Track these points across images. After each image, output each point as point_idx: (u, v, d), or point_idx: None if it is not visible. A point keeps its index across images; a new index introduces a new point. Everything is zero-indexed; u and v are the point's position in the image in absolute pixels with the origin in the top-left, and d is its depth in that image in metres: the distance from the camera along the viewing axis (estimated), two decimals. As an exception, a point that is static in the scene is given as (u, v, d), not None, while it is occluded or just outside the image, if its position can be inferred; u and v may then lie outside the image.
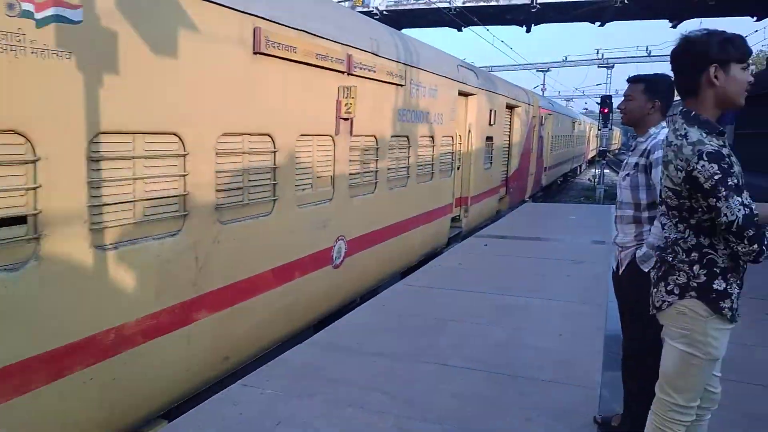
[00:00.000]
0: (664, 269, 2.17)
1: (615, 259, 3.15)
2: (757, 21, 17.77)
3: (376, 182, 6.31)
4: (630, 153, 3.08)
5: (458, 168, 9.35)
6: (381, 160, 6.34)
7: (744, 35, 2.25)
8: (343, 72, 5.26)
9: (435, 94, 7.81)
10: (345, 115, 5.28)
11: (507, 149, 12.80)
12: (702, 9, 16.28)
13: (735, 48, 2.03)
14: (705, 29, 2.10)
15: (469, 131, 9.61)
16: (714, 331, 2.06)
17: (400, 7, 16.99)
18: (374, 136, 6.17)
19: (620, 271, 3.02)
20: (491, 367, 4.08)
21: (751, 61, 2.16)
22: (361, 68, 5.57)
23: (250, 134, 4.22)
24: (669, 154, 2.08)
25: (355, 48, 5.48)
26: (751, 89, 2.12)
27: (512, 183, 13.42)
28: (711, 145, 1.99)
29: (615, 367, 4.04)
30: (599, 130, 22.92)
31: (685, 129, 2.05)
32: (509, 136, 12.93)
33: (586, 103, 59.50)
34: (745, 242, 1.92)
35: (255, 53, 4.12)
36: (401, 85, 6.62)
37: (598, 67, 37.19)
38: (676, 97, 2.43)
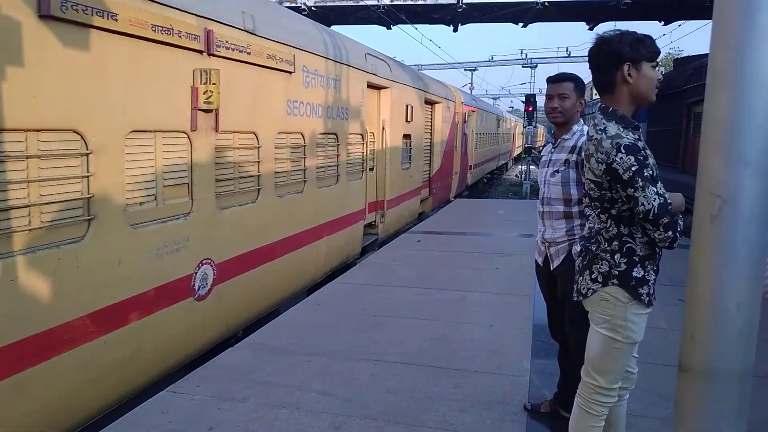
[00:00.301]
0: (589, 258, 2.28)
1: (539, 254, 3.20)
2: (664, 25, 19.04)
3: (259, 189, 5.19)
4: (552, 150, 3.12)
5: (371, 169, 8.55)
6: (265, 162, 5.25)
7: (654, 38, 2.41)
8: (200, 51, 4.21)
9: (337, 85, 6.84)
10: (205, 106, 4.24)
11: (429, 148, 12.22)
12: (615, 12, 17.22)
13: (645, 48, 2.17)
14: (618, 30, 2.23)
15: (383, 128, 8.85)
16: (633, 316, 2.19)
17: (329, 4, 16.85)
18: (254, 133, 5.11)
19: (553, 267, 3.06)
20: (426, 361, 4.14)
21: (659, 61, 2.31)
22: (228, 48, 4.49)
23: (41, 131, 3.05)
24: (590, 148, 2.18)
25: (217, 22, 4.40)
26: (661, 89, 2.27)
27: (436, 183, 12.89)
28: (627, 138, 2.11)
29: (543, 355, 4.22)
30: (525, 127, 23.77)
31: (603, 124, 2.17)
32: (431, 133, 12.37)
33: (512, 101, 61.66)
34: (661, 229, 2.05)
35: (42, 16, 2.95)
36: (290, 72, 5.59)
37: (522, 66, 38.54)
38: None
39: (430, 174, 12.46)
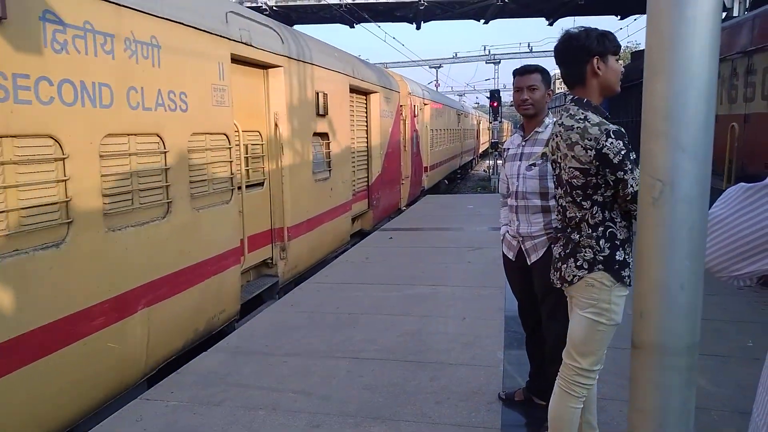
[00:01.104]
0: (572, 247, 2.36)
1: (510, 249, 3.20)
2: (620, 20, 19.52)
3: None
4: (523, 143, 3.09)
5: (262, 185, 6.07)
6: None
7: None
8: None
9: (154, 56, 4.05)
10: None
11: (365, 149, 9.95)
12: (574, 8, 17.57)
13: (610, 42, 2.29)
14: (582, 27, 2.32)
15: (276, 125, 6.20)
16: (616, 298, 2.29)
17: (290, 3, 16.75)
18: None
19: (530, 261, 3.04)
20: (402, 356, 4.18)
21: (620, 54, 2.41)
22: None
23: None
24: (573, 137, 2.23)
25: None
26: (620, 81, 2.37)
27: (377, 192, 10.45)
28: (612, 125, 2.22)
29: (516, 346, 4.30)
30: (490, 123, 24.04)
31: (582, 113, 2.26)
32: (366, 131, 10.02)
33: (477, 97, 62.28)
34: None
35: None
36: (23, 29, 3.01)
37: (486, 62, 38.99)
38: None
39: (368, 182, 10.11)
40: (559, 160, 2.36)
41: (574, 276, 2.33)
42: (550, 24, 19.73)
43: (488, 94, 22.74)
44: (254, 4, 16.04)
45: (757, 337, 4.33)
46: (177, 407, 3.48)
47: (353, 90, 8.95)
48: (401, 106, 12.45)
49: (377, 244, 8.46)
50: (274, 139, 6.23)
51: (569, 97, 2.37)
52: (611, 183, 2.20)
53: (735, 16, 11.43)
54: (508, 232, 3.24)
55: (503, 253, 3.32)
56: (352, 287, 6.06)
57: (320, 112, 7.29)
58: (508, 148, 3.25)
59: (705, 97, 0.75)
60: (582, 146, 2.20)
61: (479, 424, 3.21)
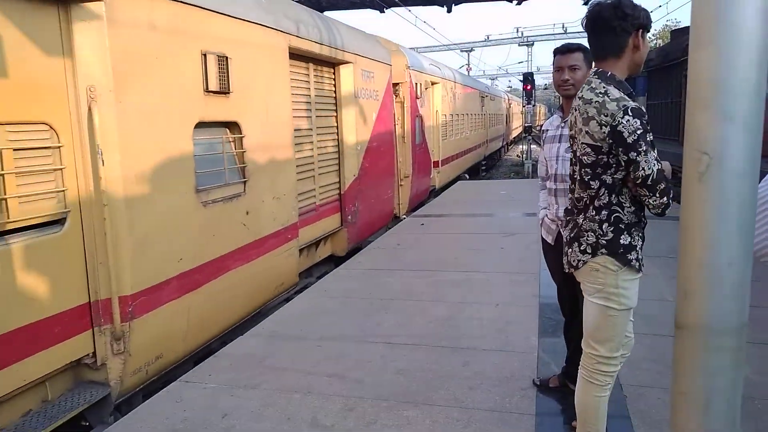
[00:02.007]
0: (576, 231, 2.31)
1: (549, 233, 3.16)
2: (661, -4, 18.77)
3: None
4: (562, 125, 3.04)
5: (61, 223, 3.30)
6: None
7: (650, 10, 2.41)
8: None
9: None
10: None
11: (335, 144, 7.04)
12: (611, -14, 17.02)
13: (649, 18, 2.20)
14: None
15: (90, 110, 3.37)
16: (624, 282, 2.22)
17: (321, -10, 16.73)
18: None
19: None
20: (435, 341, 4.17)
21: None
22: None
23: None
24: (590, 111, 2.14)
25: None
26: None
27: (355, 202, 7.42)
28: (632, 102, 2.10)
29: (550, 332, 4.25)
30: (524, 106, 23.62)
31: (604, 87, 2.14)
32: (336, 119, 7.05)
33: (510, 81, 61.17)
34: (657, 195, 2.08)
35: None
36: None
37: (519, 45, 38.22)
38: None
39: (340, 189, 7.18)
40: (576, 136, 2.26)
41: (579, 261, 2.29)
42: (585, 3, 19.18)
43: (521, 78, 22.32)
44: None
45: (806, 324, 4.17)
46: (215, 389, 3.57)
47: (299, 56, 5.86)
48: (397, 84, 9.81)
49: (409, 230, 8.45)
50: (86, 136, 3.37)
51: (593, 70, 2.26)
52: (622, 164, 2.11)
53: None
54: (547, 215, 3.19)
55: (542, 236, 3.28)
56: (384, 273, 6.08)
57: (215, 88, 4.31)
58: (547, 130, 3.19)
59: (756, 64, 0.71)
60: (597, 122, 2.11)
61: (513, 409, 3.19)
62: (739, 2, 0.70)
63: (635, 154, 2.05)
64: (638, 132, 2.04)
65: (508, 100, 34.52)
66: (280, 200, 5.41)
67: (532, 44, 38.09)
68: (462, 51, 39.49)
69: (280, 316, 4.90)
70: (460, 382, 3.54)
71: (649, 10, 2.24)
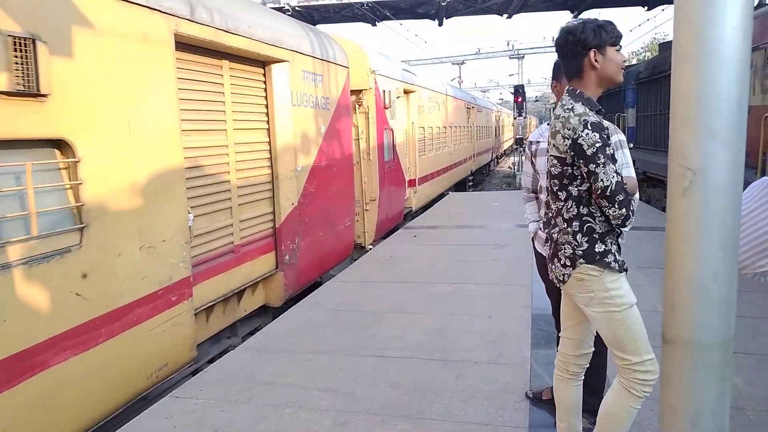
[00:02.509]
0: (554, 246, 2.37)
1: (542, 244, 3.17)
2: (647, 11, 19.11)
3: None
4: None
5: None
6: None
7: (638, 24, 2.48)
8: None
9: None
10: None
11: (267, 165, 5.57)
12: (598, 0, 17.28)
13: (608, 33, 2.28)
14: (581, 20, 2.35)
15: None
16: (611, 284, 2.24)
17: (313, 3, 16.85)
18: None
19: None
20: (428, 354, 4.16)
21: (621, 44, 2.39)
22: None
23: None
24: (557, 125, 2.26)
25: None
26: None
27: (297, 237, 5.91)
28: (594, 117, 2.21)
29: (543, 344, 4.24)
30: (515, 118, 23.80)
31: (571, 104, 2.26)
32: (269, 133, 5.61)
33: (501, 93, 61.68)
34: (616, 206, 2.15)
35: None
36: None
37: (510, 57, 38.59)
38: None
39: (274, 223, 5.68)
40: (548, 149, 2.38)
41: (563, 275, 2.33)
42: (575, 17, 19.43)
43: (512, 90, 22.51)
44: (277, 5, 16.18)
45: (795, 334, 4.19)
46: (206, 404, 3.53)
47: (202, 49, 4.54)
48: (360, 92, 8.49)
49: (402, 242, 8.45)
50: None
51: (566, 88, 2.39)
52: (585, 175, 2.19)
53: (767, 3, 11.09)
54: (540, 228, 3.19)
55: (535, 249, 3.27)
56: (377, 285, 6.06)
57: (8, 87, 2.82)
58: (539, 141, 3.20)
59: (737, 81, 0.72)
60: (562, 135, 2.22)
61: (506, 423, 3.17)
62: (717, 20, 0.72)
63: (594, 165, 2.13)
64: (597, 145, 2.13)
65: (498, 111, 33.47)
66: (155, 250, 3.79)
67: (523, 57, 38.48)
68: (453, 64, 39.80)
69: (272, 330, 4.86)
70: (453, 395, 3.52)
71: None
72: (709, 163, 0.74)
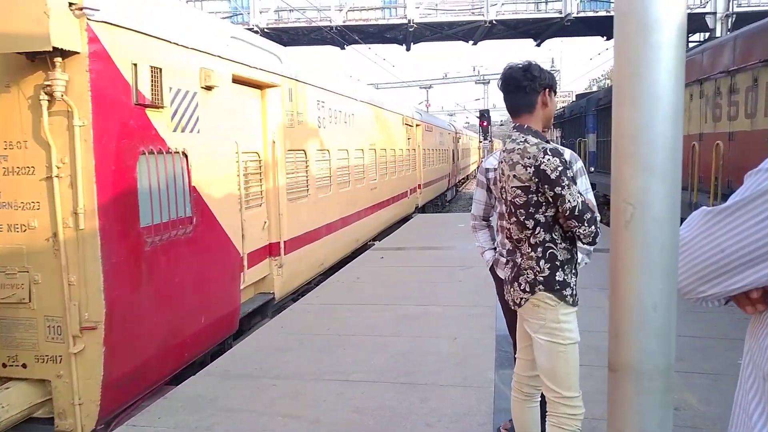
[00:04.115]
0: (516, 270, 2.42)
1: (503, 268, 3.20)
2: (606, 41, 19.88)
3: None
4: None
5: None
6: None
7: (597, 53, 2.65)
8: None
9: None
10: None
11: None
12: (560, 28, 17.89)
13: (554, 80, 2.50)
14: (527, 61, 2.48)
15: None
16: (564, 317, 2.32)
17: (282, 25, 16.94)
18: None
19: None
20: (393, 378, 4.14)
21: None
22: None
23: None
24: (514, 157, 2.34)
25: None
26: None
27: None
28: (550, 144, 2.33)
29: (507, 365, 4.28)
30: (480, 142, 24.23)
31: (523, 137, 2.37)
32: None
33: (467, 117, 62.82)
34: (585, 224, 2.24)
35: None
36: None
37: (476, 83, 39.47)
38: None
39: None
40: (504, 185, 2.44)
41: (521, 299, 2.39)
42: (538, 45, 20.05)
43: (478, 114, 22.98)
44: (246, 27, 16.22)
45: (747, 353, 4.33)
46: (164, 433, 3.42)
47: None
48: (49, 58, 3.51)
49: (369, 263, 8.44)
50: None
51: (512, 125, 2.50)
52: (550, 200, 2.27)
53: (717, 37, 11.66)
54: (502, 254, 3.20)
55: (494, 275, 3.26)
56: (343, 308, 6.03)
57: None
58: (495, 168, 3.23)
59: (671, 120, 0.77)
60: (522, 165, 2.29)
61: (470, 446, 3.17)
62: (653, 64, 0.76)
63: (560, 188, 2.22)
64: (559, 168, 2.22)
65: (456, 132, 27.93)
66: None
67: (488, 82, 39.40)
68: (421, 88, 40.43)
69: (234, 355, 4.77)
70: (418, 419, 3.51)
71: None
72: (648, 197, 0.78)
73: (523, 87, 2.41)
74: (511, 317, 3.27)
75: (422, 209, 17.06)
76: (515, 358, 3.35)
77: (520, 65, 2.44)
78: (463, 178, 32.84)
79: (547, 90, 2.43)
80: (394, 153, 13.32)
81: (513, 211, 2.38)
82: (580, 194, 2.26)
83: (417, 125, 16.33)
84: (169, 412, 3.70)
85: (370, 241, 11.07)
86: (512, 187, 2.36)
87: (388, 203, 12.70)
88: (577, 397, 2.36)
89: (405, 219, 14.50)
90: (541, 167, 2.23)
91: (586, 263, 2.96)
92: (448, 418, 3.50)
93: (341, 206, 9.13)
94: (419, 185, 16.65)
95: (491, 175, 3.27)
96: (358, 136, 10.35)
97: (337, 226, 8.88)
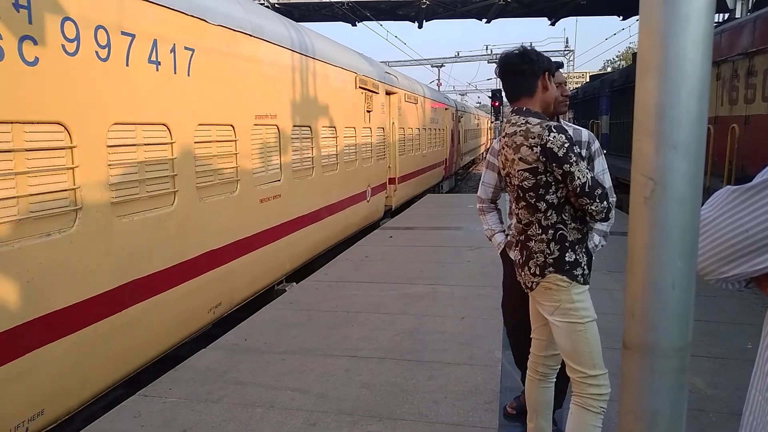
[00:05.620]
0: (526, 254, 2.39)
1: (514, 248, 3.16)
2: (623, 20, 19.49)
3: None
4: None
5: None
6: None
7: (613, 33, 2.60)
8: None
9: None
10: None
11: None
12: (575, 7, 17.54)
13: (551, 63, 2.47)
14: (522, 46, 2.45)
15: None
16: (577, 296, 2.30)
17: (293, 1, 16.74)
18: None
19: None
20: (400, 355, 4.17)
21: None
22: None
23: None
24: (517, 140, 2.30)
25: None
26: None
27: None
28: (553, 122, 2.29)
29: (514, 344, 4.29)
30: (492, 122, 23.95)
31: (524, 119, 2.33)
32: None
33: (479, 96, 62.24)
34: (597, 200, 2.20)
35: None
36: None
37: (488, 62, 38.91)
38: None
39: None
40: (509, 170, 2.39)
41: (532, 282, 2.38)
42: (552, 24, 19.71)
43: (490, 94, 22.72)
44: (258, 1, 16.04)
45: (755, 339, 4.31)
46: (175, 404, 3.48)
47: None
48: None
49: (377, 242, 8.46)
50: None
51: (510, 110, 2.46)
52: (560, 178, 2.23)
53: (737, 18, 11.38)
54: (512, 235, 3.16)
55: (503, 257, 3.22)
56: (351, 285, 6.06)
57: None
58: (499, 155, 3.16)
59: (697, 94, 0.74)
60: (527, 146, 2.25)
61: (476, 423, 3.20)
62: (679, 35, 0.74)
63: (568, 165, 2.18)
64: (566, 145, 2.18)
65: (457, 109, 23.43)
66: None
67: (501, 61, 38.82)
68: (433, 66, 39.98)
69: (243, 329, 4.82)
70: (425, 396, 3.54)
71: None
72: (670, 174, 0.76)
73: (523, 71, 2.37)
74: (510, 298, 3.26)
75: (395, 213, 12.21)
76: (509, 333, 3.37)
77: (516, 51, 2.41)
78: (468, 163, 29.68)
79: (546, 74, 2.39)
80: (368, 138, 10.02)
81: (521, 195, 2.35)
82: (588, 170, 2.23)
83: (390, 93, 11.64)
84: (179, 384, 3.76)
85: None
86: (519, 171, 2.31)
87: (347, 204, 8.96)
88: (603, 375, 2.32)
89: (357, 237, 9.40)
90: (547, 145, 2.19)
91: (603, 245, 2.94)
92: (455, 396, 3.53)
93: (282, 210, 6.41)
94: (391, 179, 12.19)
95: None
96: (321, 106, 7.46)
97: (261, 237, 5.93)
